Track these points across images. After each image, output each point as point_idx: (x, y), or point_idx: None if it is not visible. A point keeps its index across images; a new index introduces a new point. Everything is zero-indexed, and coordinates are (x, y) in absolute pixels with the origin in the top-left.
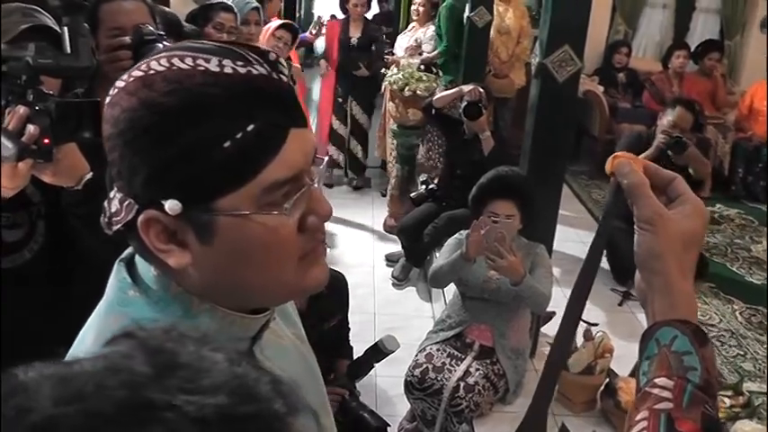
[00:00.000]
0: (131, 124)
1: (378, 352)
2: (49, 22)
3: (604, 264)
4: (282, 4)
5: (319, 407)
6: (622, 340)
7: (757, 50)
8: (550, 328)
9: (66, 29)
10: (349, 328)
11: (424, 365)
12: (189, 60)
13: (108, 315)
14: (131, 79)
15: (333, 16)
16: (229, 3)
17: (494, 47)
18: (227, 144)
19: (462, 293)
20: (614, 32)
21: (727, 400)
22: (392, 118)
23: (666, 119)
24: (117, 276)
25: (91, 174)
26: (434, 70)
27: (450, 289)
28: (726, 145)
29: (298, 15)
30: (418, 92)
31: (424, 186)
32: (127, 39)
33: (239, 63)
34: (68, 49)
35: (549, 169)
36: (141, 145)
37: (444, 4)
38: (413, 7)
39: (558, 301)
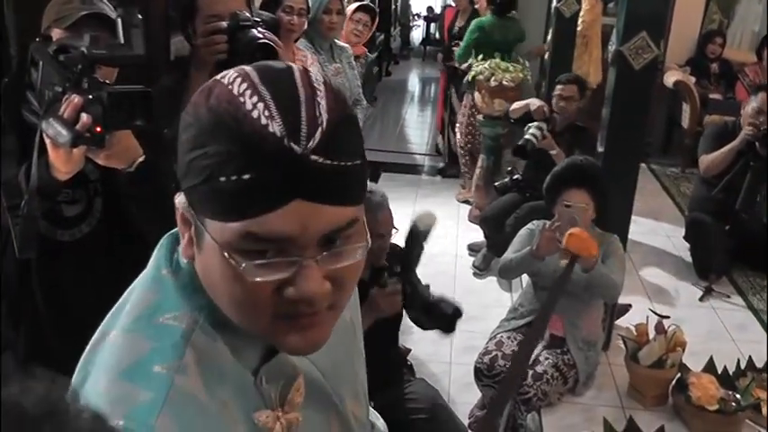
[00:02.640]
0: (185, 115)
1: (417, 234)
2: (107, 9)
3: (688, 258)
4: None
5: (351, 394)
6: (699, 336)
7: None
8: (626, 321)
9: (119, 19)
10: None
11: (494, 353)
12: (243, 87)
13: (143, 289)
14: (214, 80)
15: (449, 5)
16: None
17: None
18: (222, 178)
19: (534, 283)
20: (709, 21)
21: None
22: (478, 109)
23: (750, 106)
24: (158, 251)
25: (143, 157)
26: (522, 60)
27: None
28: None
29: (394, 8)
30: (504, 82)
31: (509, 177)
32: (223, 23)
33: (276, 118)
34: (122, 39)
35: (624, 158)
36: (181, 135)
37: (477, 20)
38: None
39: (638, 293)
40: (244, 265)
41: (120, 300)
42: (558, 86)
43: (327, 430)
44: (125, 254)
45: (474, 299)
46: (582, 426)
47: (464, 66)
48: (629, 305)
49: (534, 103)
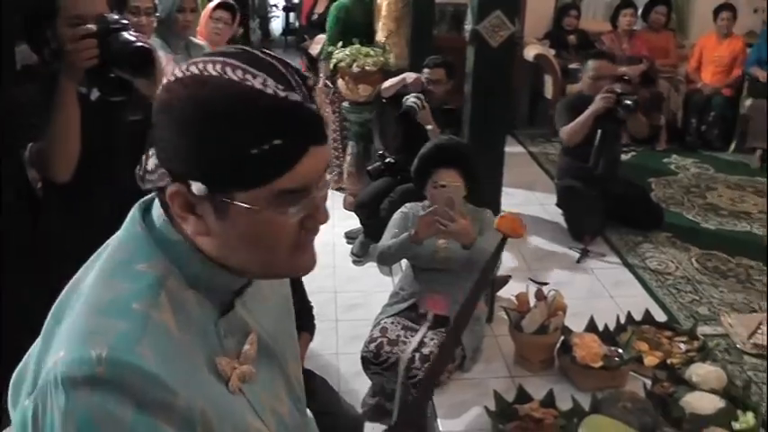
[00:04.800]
0: (181, 114)
1: None
2: None
3: (563, 223)
4: None
5: (292, 356)
6: (580, 297)
7: (703, 4)
8: (507, 292)
9: None
10: (311, 304)
11: (379, 340)
12: (239, 73)
13: (118, 244)
14: (188, 74)
15: None
16: None
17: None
18: (254, 151)
19: (413, 266)
20: None
21: (683, 345)
22: (343, 96)
23: (587, 75)
24: (131, 215)
25: None
26: (382, 44)
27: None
28: (678, 97)
29: (251, 1)
30: (366, 67)
31: (380, 160)
32: (92, 27)
33: (280, 87)
34: None
35: (489, 134)
36: (185, 132)
37: (337, 3)
38: None
39: (517, 263)
40: (292, 210)
41: (92, 257)
42: (426, 70)
43: (274, 387)
44: None
45: (355, 286)
46: (474, 400)
47: (316, 53)
48: (509, 276)
49: (410, 75)
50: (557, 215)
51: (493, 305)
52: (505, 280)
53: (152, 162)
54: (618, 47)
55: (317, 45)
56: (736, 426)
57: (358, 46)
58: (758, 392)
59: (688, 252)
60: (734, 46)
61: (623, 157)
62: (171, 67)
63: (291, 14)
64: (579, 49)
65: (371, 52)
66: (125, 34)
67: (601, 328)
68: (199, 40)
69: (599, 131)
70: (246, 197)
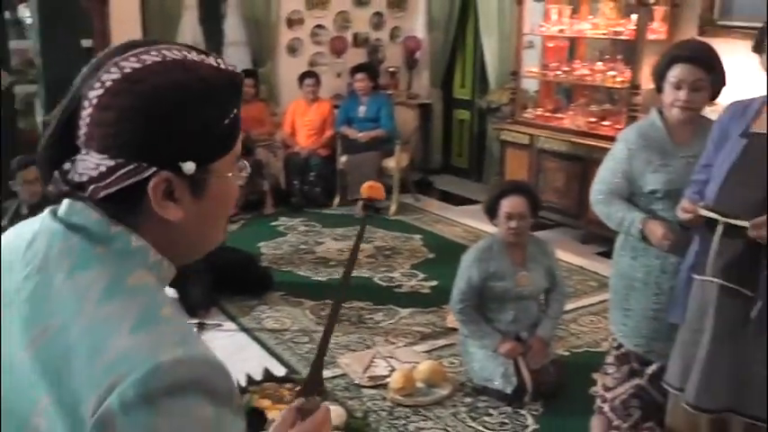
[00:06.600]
0: (162, 99)
1: None
2: None
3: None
4: None
5: None
6: None
7: (288, 73)
8: None
9: None
10: None
11: None
12: (194, 55)
13: (86, 273)
14: (149, 62)
15: None
16: None
17: None
18: (226, 121)
19: None
20: None
21: None
22: None
23: None
24: (71, 245)
25: None
26: None
27: None
28: (278, 162)
29: None
30: None
31: None
32: None
33: (220, 62)
34: None
35: None
36: (169, 117)
37: None
38: None
39: None
40: (244, 171)
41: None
42: None
43: None
44: None
45: None
46: None
47: None
48: None
49: None
50: (171, 293)
51: None
52: None
53: (92, 167)
54: None
55: None
56: None
57: None
58: (377, 419)
59: (302, 306)
60: (322, 109)
61: (233, 226)
62: None
63: None
64: None
65: None
66: None
67: None
68: None
69: None
70: (219, 166)
